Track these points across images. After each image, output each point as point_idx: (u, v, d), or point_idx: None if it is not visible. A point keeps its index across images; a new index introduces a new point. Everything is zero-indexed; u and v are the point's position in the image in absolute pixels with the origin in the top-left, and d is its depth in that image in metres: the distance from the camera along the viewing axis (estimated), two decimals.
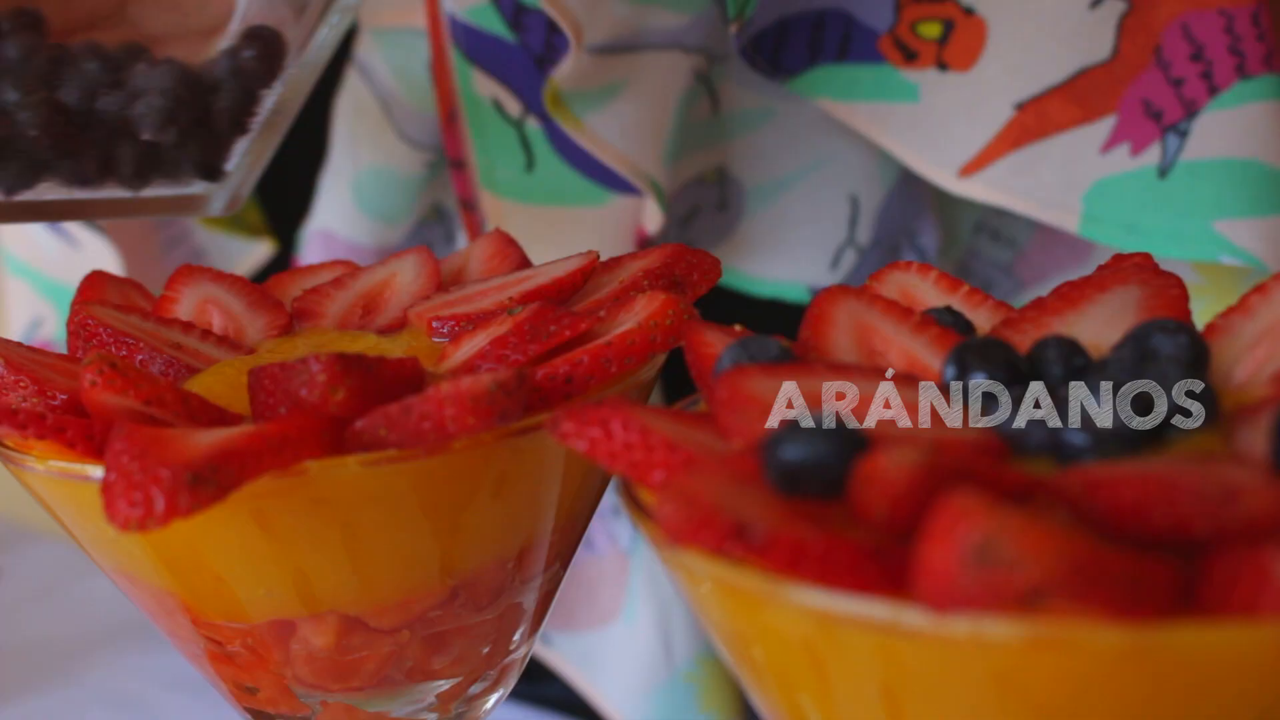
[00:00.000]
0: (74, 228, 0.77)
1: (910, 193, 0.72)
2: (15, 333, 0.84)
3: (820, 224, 0.71)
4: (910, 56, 0.64)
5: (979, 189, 0.64)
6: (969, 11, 0.62)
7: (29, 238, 0.83)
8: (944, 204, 0.73)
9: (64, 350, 0.50)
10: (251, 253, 0.83)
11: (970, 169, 0.64)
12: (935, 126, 0.64)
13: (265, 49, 0.55)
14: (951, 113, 0.64)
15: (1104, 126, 0.62)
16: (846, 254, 0.71)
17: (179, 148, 0.54)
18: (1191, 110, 0.61)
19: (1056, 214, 0.63)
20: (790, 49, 0.63)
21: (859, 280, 0.70)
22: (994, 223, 0.74)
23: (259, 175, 0.57)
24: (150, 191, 0.55)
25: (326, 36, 0.57)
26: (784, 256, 0.72)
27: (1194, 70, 0.61)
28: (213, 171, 0.55)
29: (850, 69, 0.64)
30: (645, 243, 0.67)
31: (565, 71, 0.64)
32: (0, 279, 0.89)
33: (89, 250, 0.78)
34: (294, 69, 0.56)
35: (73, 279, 0.80)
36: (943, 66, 0.63)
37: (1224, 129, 0.61)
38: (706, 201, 0.71)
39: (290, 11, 0.57)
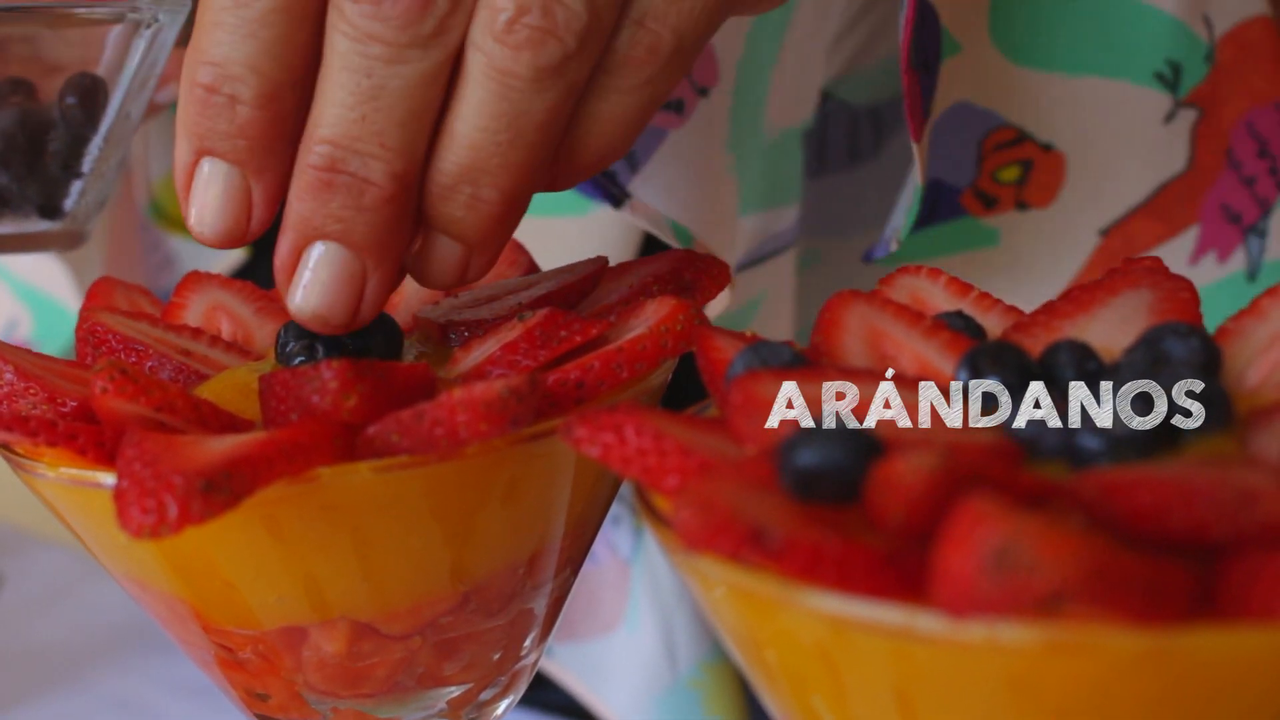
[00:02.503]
0: None
1: None
2: None
3: None
4: (990, 204, 0.63)
5: None
6: (1047, 148, 0.62)
7: None
8: None
9: (40, 352, 0.50)
10: (224, 257, 0.83)
11: None
12: (1019, 266, 0.64)
13: (85, 95, 0.56)
14: (1034, 250, 0.64)
15: (1189, 238, 0.62)
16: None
17: (18, 189, 0.55)
18: (1265, 208, 0.62)
19: None
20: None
21: None
22: None
23: (100, 209, 0.58)
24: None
25: (126, 85, 0.57)
26: None
27: (1262, 167, 0.62)
28: (50, 210, 0.57)
29: (932, 230, 0.64)
30: None
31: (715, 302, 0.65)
32: None
33: (48, 259, 0.79)
34: (115, 115, 0.57)
35: (42, 283, 0.81)
36: (1022, 206, 0.63)
37: None
38: None
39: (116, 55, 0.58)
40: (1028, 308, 0.62)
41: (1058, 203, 0.63)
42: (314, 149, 0.43)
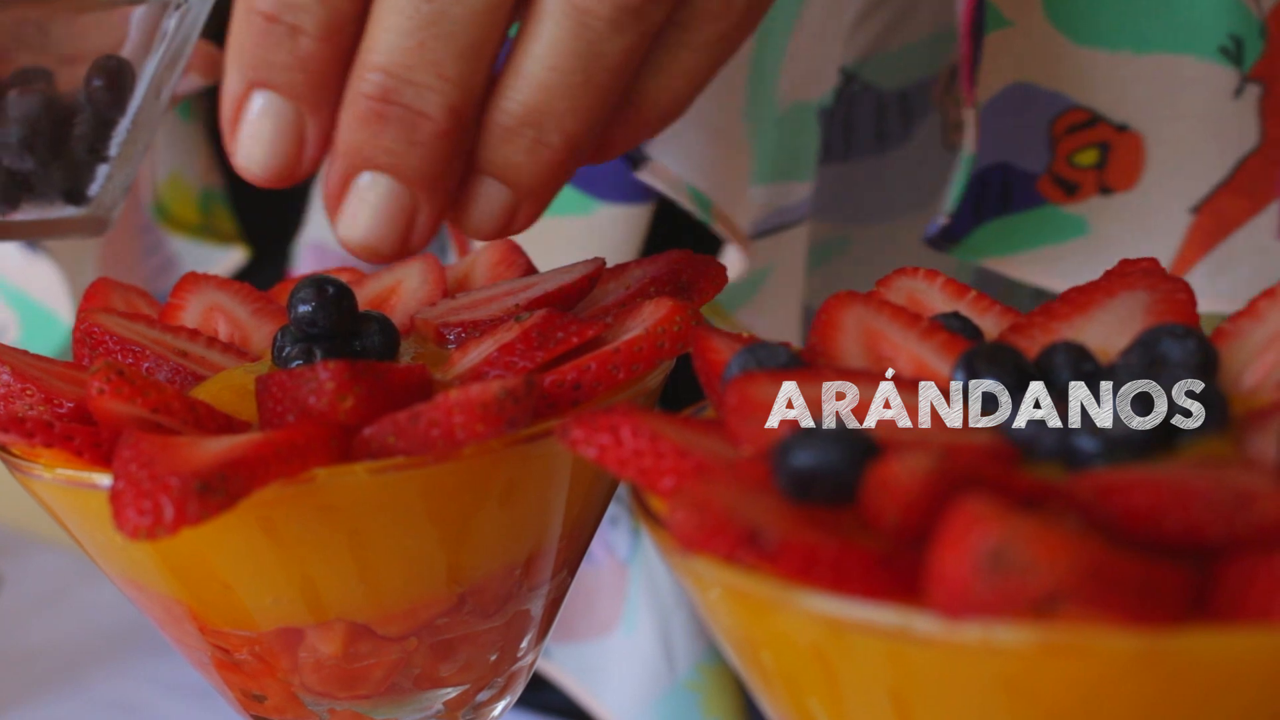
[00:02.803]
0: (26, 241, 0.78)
1: None
2: None
3: None
4: (1071, 190, 0.62)
5: None
6: (1122, 129, 0.61)
7: None
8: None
9: None
10: (224, 260, 0.83)
11: None
12: (1114, 252, 0.62)
13: (111, 79, 0.56)
14: (1126, 234, 0.63)
15: (1272, 213, 0.62)
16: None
17: (43, 174, 0.55)
18: None
19: None
20: (958, 216, 0.62)
21: None
22: None
23: (124, 196, 0.58)
24: (20, 215, 0.56)
25: (154, 68, 0.57)
26: None
27: None
28: (76, 196, 0.57)
29: (1011, 220, 0.63)
30: None
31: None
32: None
33: (40, 264, 0.78)
34: (143, 98, 0.57)
35: (31, 288, 0.81)
36: (1106, 191, 0.62)
37: None
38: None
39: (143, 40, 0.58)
40: None
41: (1142, 184, 0.62)
42: (367, 76, 0.41)
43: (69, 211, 0.57)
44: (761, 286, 0.68)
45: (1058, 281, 0.64)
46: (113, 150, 0.57)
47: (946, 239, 0.62)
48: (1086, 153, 0.62)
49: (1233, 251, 0.62)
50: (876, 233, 0.74)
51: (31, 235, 0.58)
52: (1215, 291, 0.63)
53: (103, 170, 0.57)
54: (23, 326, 0.82)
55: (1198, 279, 0.63)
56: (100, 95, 0.56)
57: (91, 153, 0.56)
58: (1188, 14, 0.60)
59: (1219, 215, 0.62)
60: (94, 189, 0.57)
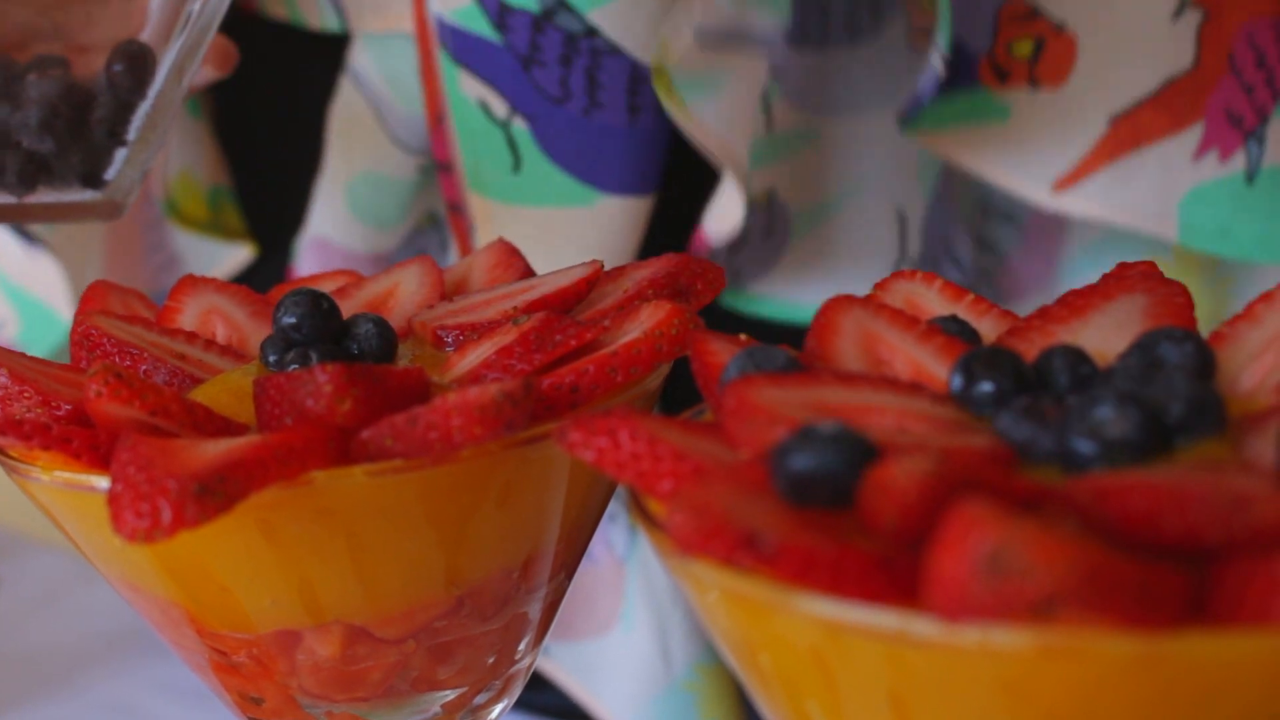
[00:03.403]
0: (26, 235, 0.78)
1: (947, 205, 0.72)
2: None
3: (871, 242, 0.72)
4: (1003, 77, 0.64)
5: (1076, 203, 0.65)
6: (1059, 28, 0.63)
7: None
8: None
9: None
10: (230, 257, 0.83)
11: (1066, 183, 0.64)
12: (1027, 144, 0.65)
13: (132, 63, 0.56)
14: (1043, 129, 0.64)
15: (1193, 135, 0.64)
16: (902, 269, 0.71)
17: (61, 156, 0.55)
18: (1263, 116, 0.63)
19: (1155, 224, 0.64)
20: (915, 99, 0.64)
21: None
22: (984, 230, 0.74)
23: (140, 182, 0.58)
24: (36, 198, 0.56)
25: (174, 55, 0.58)
26: (835, 279, 0.71)
27: (1260, 78, 0.63)
28: (93, 179, 0.57)
29: (950, 100, 0.64)
30: (709, 253, 0.66)
31: (676, 51, 0.65)
32: None
33: (40, 261, 0.78)
34: (163, 83, 0.57)
35: (32, 285, 0.81)
36: (1034, 84, 0.64)
37: None
38: (754, 227, 0.71)
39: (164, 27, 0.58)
40: (1032, 186, 0.64)
41: (1068, 85, 0.64)
42: None
43: (85, 195, 0.57)
44: (717, 91, 0.67)
45: (968, 157, 0.65)
46: (131, 134, 0.57)
47: (909, 119, 0.64)
48: (1023, 43, 0.64)
49: (1141, 165, 0.64)
50: (844, 127, 0.75)
51: (47, 218, 0.58)
52: (1109, 201, 0.64)
53: (121, 154, 0.57)
54: (22, 323, 0.82)
55: (1097, 185, 0.64)
56: (121, 79, 0.56)
57: (110, 136, 0.56)
58: None
59: (1136, 127, 0.64)
60: (111, 173, 0.57)
